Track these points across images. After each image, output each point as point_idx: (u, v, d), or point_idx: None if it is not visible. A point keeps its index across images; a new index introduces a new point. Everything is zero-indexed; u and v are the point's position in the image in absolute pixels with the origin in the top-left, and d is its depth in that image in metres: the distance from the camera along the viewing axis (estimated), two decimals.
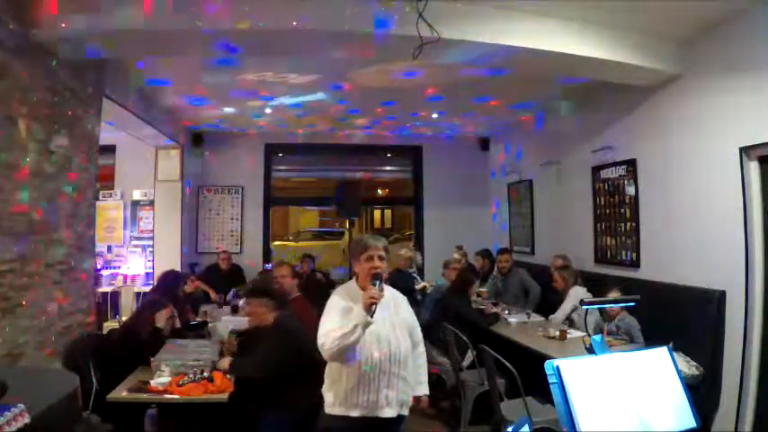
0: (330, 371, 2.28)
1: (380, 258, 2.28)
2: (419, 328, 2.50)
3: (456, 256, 6.57)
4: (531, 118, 6.54)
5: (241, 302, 4.94)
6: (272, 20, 3.07)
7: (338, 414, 2.20)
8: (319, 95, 5.37)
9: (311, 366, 2.44)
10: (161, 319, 3.43)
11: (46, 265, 3.22)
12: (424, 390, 2.48)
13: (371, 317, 2.06)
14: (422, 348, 2.53)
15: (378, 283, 2.17)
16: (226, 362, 3.02)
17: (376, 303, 2.08)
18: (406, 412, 2.31)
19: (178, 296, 4.40)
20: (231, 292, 5.83)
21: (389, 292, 2.36)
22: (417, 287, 5.85)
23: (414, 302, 5.54)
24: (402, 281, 5.97)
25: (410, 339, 2.36)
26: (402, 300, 2.47)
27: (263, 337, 2.92)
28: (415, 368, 2.41)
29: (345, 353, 2.11)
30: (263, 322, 2.96)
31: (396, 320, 2.31)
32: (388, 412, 2.21)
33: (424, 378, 2.51)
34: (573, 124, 5.55)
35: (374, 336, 2.17)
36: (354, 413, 2.18)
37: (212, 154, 7.52)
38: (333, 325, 2.13)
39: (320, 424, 2.27)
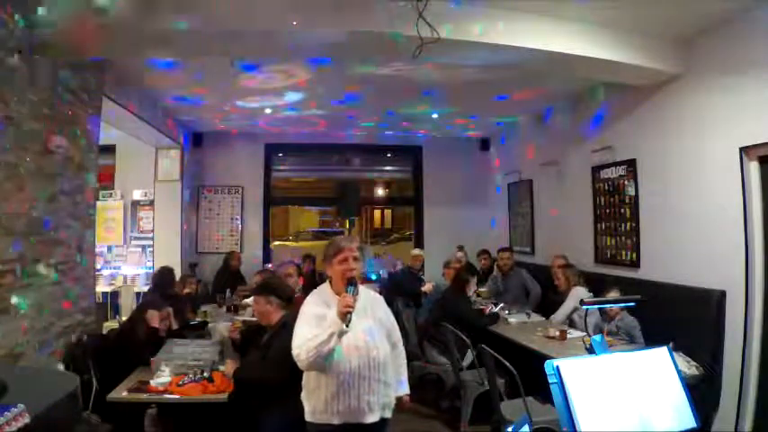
0: (308, 379, 2.24)
1: (355, 260, 2.23)
2: (397, 329, 2.45)
3: (459, 254, 6.57)
4: (531, 118, 6.54)
5: (244, 302, 4.94)
6: (268, 20, 3.07)
7: (320, 422, 2.17)
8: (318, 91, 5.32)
9: None
10: (153, 319, 3.42)
11: (46, 265, 3.22)
12: (404, 389, 2.44)
13: (347, 325, 2.03)
14: (400, 348, 2.47)
15: (352, 288, 2.11)
16: (231, 366, 2.95)
17: (351, 312, 2.04)
18: (388, 415, 2.28)
19: (170, 294, 4.36)
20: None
21: (365, 294, 2.31)
22: (423, 288, 5.84)
23: (418, 304, 5.54)
24: (409, 281, 5.98)
25: (388, 341, 2.32)
26: (378, 300, 2.42)
27: (269, 336, 2.87)
28: (395, 369, 2.36)
29: (322, 362, 2.08)
30: (269, 321, 2.91)
31: (373, 324, 2.26)
32: (371, 417, 2.18)
33: (404, 377, 2.47)
34: (573, 124, 5.54)
35: (351, 342, 2.13)
36: (336, 421, 2.15)
37: (212, 154, 7.52)
38: (307, 334, 2.09)
39: None
